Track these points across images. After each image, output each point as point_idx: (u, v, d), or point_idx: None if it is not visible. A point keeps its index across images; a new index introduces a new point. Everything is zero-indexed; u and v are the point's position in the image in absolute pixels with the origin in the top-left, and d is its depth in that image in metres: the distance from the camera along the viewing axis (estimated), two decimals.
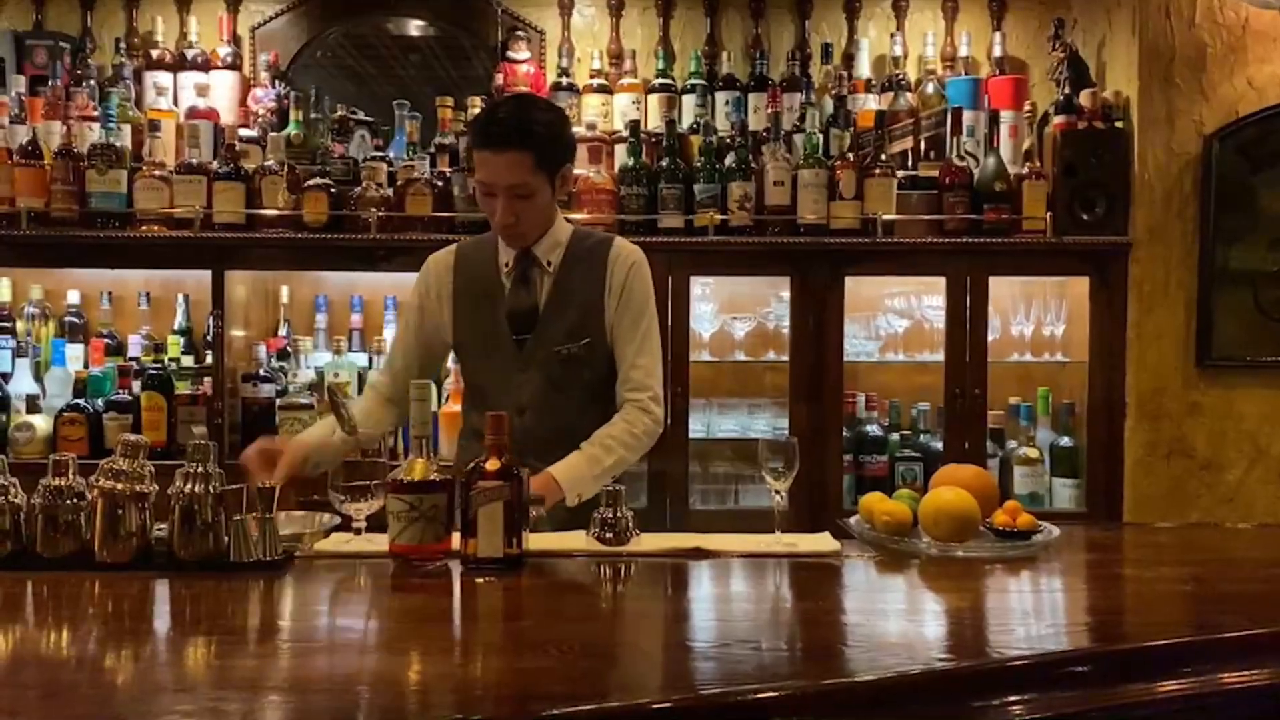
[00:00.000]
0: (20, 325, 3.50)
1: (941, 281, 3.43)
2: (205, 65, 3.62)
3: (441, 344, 2.50)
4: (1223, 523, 3.25)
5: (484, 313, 2.41)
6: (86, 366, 3.46)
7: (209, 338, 3.41)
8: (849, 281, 3.41)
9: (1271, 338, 3.37)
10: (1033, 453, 3.45)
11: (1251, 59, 3.35)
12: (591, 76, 3.64)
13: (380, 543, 1.91)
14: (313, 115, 3.53)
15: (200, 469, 1.83)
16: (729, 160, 3.42)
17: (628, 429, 2.32)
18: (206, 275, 3.37)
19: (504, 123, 2.26)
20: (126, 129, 3.44)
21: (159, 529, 1.86)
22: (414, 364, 2.48)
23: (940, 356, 3.44)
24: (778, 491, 2.06)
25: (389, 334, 3.54)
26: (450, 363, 2.92)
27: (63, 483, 1.85)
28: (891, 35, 3.71)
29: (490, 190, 2.28)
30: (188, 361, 3.47)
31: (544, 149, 2.27)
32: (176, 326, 3.56)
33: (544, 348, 2.37)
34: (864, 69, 3.68)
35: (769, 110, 3.48)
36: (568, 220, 2.49)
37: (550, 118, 2.34)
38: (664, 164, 3.41)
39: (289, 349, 3.51)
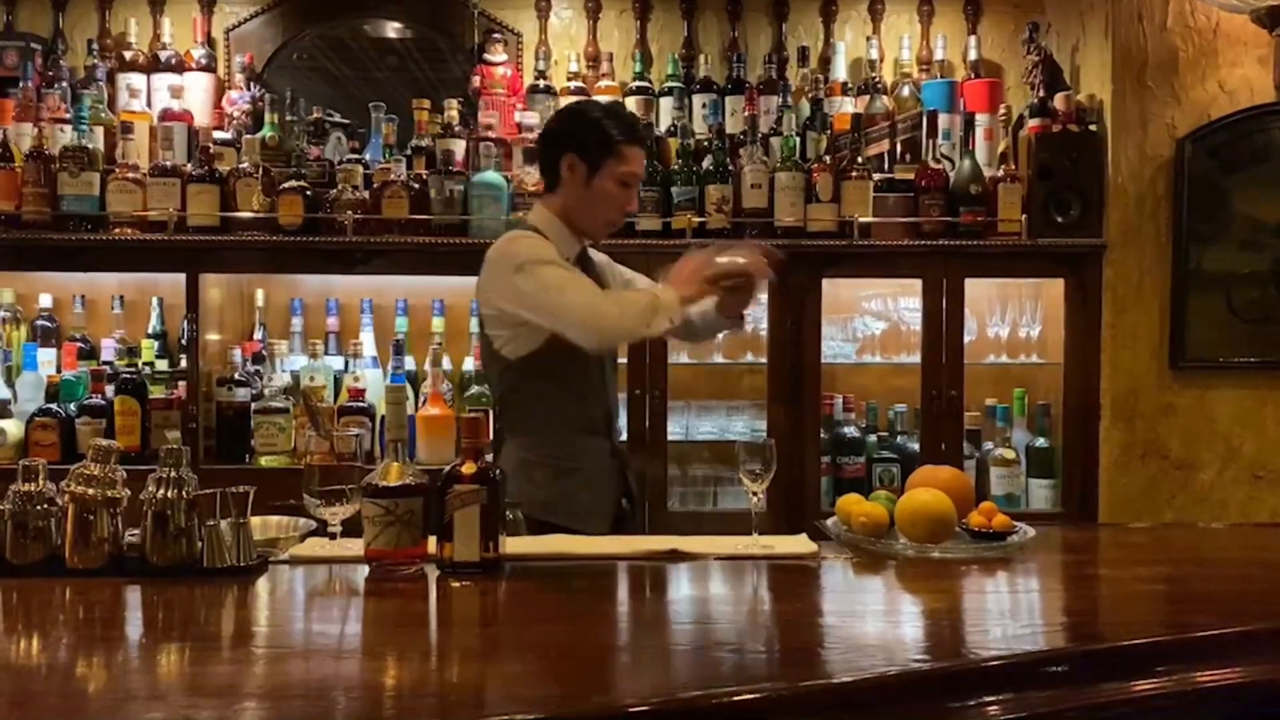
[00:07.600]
0: None
1: (918, 283, 3.44)
2: (179, 67, 3.59)
3: None
4: (1196, 522, 3.28)
5: None
6: (59, 370, 3.43)
7: (183, 341, 3.39)
8: (826, 284, 3.43)
9: (1244, 339, 3.40)
10: (1009, 454, 3.46)
11: (1223, 62, 3.38)
12: (568, 79, 3.64)
13: (356, 547, 1.90)
14: (288, 117, 3.51)
15: (173, 473, 1.81)
16: (706, 163, 3.42)
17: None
18: (181, 278, 3.35)
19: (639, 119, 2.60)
20: (99, 131, 3.41)
21: (131, 534, 1.85)
22: None
23: (917, 358, 3.46)
24: (755, 493, 2.06)
25: (365, 337, 3.52)
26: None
27: (33, 488, 1.83)
28: (868, 39, 3.72)
29: (632, 181, 2.45)
30: (162, 365, 3.45)
31: None
32: (150, 330, 3.54)
33: None
34: (840, 72, 3.69)
35: (746, 113, 3.49)
36: None
37: None
38: None
39: (264, 353, 3.48)
